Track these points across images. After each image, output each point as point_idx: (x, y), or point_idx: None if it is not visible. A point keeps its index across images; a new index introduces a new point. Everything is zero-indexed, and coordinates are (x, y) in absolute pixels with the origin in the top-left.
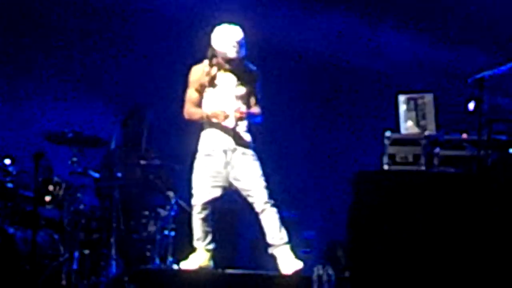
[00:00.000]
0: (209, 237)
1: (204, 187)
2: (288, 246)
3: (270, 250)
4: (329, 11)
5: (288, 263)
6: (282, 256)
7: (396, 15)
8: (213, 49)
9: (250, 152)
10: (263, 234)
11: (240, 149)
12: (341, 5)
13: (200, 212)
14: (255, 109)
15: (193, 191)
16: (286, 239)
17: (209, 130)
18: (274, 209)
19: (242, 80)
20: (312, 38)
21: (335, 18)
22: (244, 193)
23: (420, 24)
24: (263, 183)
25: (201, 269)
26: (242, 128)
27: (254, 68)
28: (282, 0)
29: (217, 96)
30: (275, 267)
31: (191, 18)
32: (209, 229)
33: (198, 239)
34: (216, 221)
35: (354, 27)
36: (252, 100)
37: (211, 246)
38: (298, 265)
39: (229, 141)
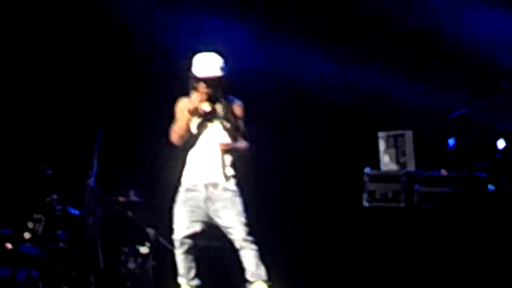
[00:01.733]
0: (192, 273)
1: (183, 222)
2: (264, 284)
3: (247, 287)
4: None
5: None
6: None
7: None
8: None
9: (232, 187)
10: (242, 270)
11: (222, 184)
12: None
13: (180, 247)
14: (241, 143)
15: (174, 226)
16: (263, 276)
17: (191, 164)
18: (253, 246)
19: (228, 113)
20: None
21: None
22: (223, 229)
23: (402, 63)
24: (243, 220)
25: None
26: (226, 162)
27: (239, 101)
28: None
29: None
30: None
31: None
32: (191, 264)
33: (181, 275)
34: (203, 258)
35: (337, 64)
36: (238, 133)
37: (194, 283)
38: None
39: (211, 176)
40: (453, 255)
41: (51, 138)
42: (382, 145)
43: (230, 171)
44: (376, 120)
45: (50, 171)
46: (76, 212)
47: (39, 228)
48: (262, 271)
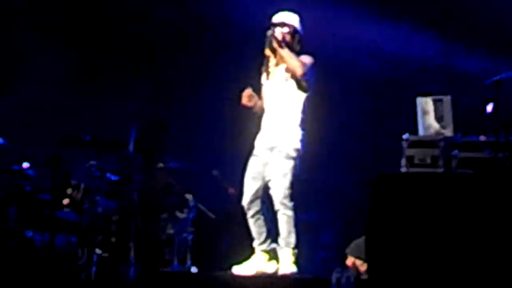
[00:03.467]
0: (263, 238)
1: (247, 187)
2: (291, 251)
3: (277, 250)
4: (347, 15)
5: (283, 266)
6: (281, 258)
7: (413, 19)
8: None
9: (287, 150)
10: (277, 234)
11: (279, 147)
12: (359, 9)
13: (247, 211)
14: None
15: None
16: (292, 244)
17: (261, 131)
18: (288, 212)
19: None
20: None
21: (351, 21)
22: (269, 191)
23: (438, 27)
24: (285, 183)
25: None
26: (290, 124)
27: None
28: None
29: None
30: None
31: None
32: (261, 229)
33: (253, 240)
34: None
35: (370, 32)
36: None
37: (265, 247)
38: (291, 269)
39: (271, 140)
40: (492, 221)
41: (90, 104)
42: (420, 110)
43: (294, 134)
44: (415, 85)
45: (88, 137)
46: (115, 178)
47: (78, 194)
48: (292, 238)
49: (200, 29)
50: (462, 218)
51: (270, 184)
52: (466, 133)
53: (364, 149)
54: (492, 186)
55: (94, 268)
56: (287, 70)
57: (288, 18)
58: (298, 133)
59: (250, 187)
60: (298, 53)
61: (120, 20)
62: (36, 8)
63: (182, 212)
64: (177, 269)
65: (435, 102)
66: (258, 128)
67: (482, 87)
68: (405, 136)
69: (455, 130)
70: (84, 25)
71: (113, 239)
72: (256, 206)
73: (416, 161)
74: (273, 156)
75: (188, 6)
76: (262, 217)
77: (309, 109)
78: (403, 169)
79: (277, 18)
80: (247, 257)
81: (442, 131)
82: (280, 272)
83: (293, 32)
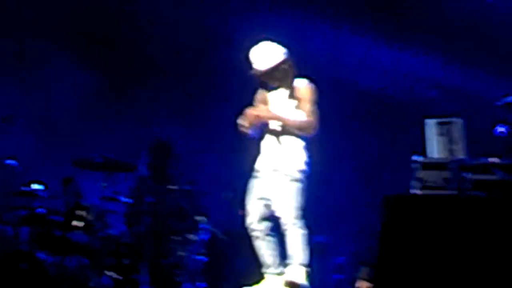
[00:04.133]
0: (277, 260)
1: (252, 208)
2: (303, 268)
3: (286, 269)
4: (358, 37)
5: (292, 275)
6: (292, 273)
7: (423, 41)
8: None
9: (291, 172)
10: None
11: (283, 170)
12: (369, 32)
13: (253, 234)
14: (298, 119)
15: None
16: (305, 261)
17: (262, 153)
18: (299, 230)
19: (291, 95)
20: (340, 60)
21: (362, 44)
22: (275, 213)
23: (448, 49)
24: (293, 204)
25: None
26: (294, 147)
27: (307, 83)
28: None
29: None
30: None
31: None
32: (274, 252)
33: (264, 264)
34: None
35: (382, 54)
36: (303, 111)
37: (280, 270)
38: (301, 281)
39: (275, 162)
40: (505, 244)
41: (102, 126)
42: (431, 131)
43: (299, 156)
44: (424, 106)
45: (100, 159)
46: (127, 200)
47: (89, 216)
48: (304, 256)
49: (207, 50)
50: (474, 241)
51: (275, 207)
52: (477, 155)
53: (377, 170)
54: (505, 209)
55: None
56: (290, 97)
57: (267, 63)
58: (302, 156)
59: (256, 207)
60: (295, 76)
61: (132, 42)
62: (54, 26)
63: (193, 234)
64: None
65: (445, 124)
66: (258, 150)
67: (494, 109)
68: (415, 157)
69: (467, 152)
70: (96, 47)
71: (124, 261)
72: (264, 227)
73: (427, 183)
74: (278, 179)
75: (198, 27)
76: (273, 239)
77: (319, 130)
78: (414, 191)
79: (255, 64)
80: (258, 280)
81: (454, 153)
82: (291, 278)
83: (280, 66)
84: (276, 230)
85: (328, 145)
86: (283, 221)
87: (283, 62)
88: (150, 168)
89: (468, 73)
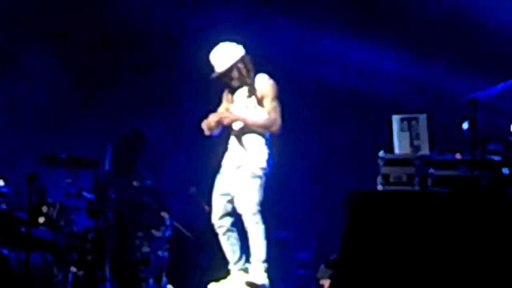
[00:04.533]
0: (237, 256)
1: (215, 204)
2: (262, 265)
3: (248, 266)
4: (326, 30)
5: (254, 275)
6: (252, 270)
7: (392, 35)
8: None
9: (252, 169)
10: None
11: (244, 166)
12: (338, 25)
13: (218, 230)
14: (259, 118)
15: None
16: (262, 258)
17: (228, 150)
18: (257, 227)
19: (252, 92)
20: (307, 56)
21: (327, 36)
22: (237, 209)
23: (417, 43)
24: (253, 200)
25: None
26: (256, 144)
27: (267, 79)
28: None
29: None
30: None
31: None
32: (234, 247)
33: (228, 261)
34: None
35: (349, 47)
36: (266, 107)
37: (241, 265)
38: (262, 280)
39: (236, 159)
40: (467, 239)
41: (66, 123)
42: (396, 127)
43: (260, 153)
44: (390, 102)
45: (64, 155)
46: (90, 196)
47: (54, 212)
48: (261, 251)
49: (179, 45)
50: (437, 236)
51: (236, 203)
52: (442, 151)
53: (341, 165)
54: (467, 205)
55: (69, 287)
56: (250, 95)
57: (223, 64)
58: (264, 152)
59: (219, 203)
60: (255, 73)
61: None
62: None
63: (158, 230)
64: (153, 287)
65: (410, 119)
66: (225, 147)
67: (459, 105)
68: (380, 153)
69: (431, 148)
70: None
71: (89, 257)
72: (227, 222)
73: (392, 179)
74: (239, 175)
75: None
76: (234, 234)
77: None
78: (379, 187)
79: (214, 66)
80: (224, 276)
81: (418, 149)
82: (251, 280)
83: (236, 66)
84: (239, 226)
85: (294, 140)
86: (243, 217)
87: (239, 61)
88: (115, 163)
89: (436, 70)
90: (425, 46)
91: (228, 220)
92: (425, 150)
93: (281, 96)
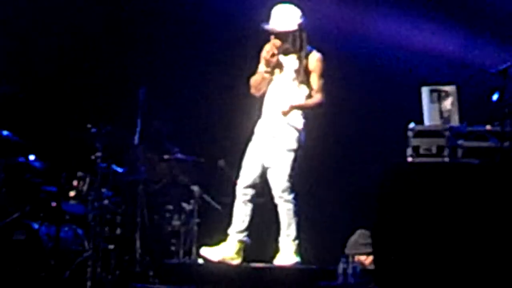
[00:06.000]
0: (243, 226)
1: (245, 172)
2: (292, 242)
3: (278, 242)
4: (350, 4)
5: (283, 257)
6: (282, 250)
7: (419, 7)
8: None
9: (288, 141)
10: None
11: (280, 138)
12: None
13: (239, 197)
14: (310, 100)
15: (240, 174)
16: (292, 236)
17: (262, 118)
18: (288, 205)
19: (302, 65)
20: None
21: (355, 9)
22: (269, 182)
23: (443, 16)
24: (285, 176)
25: (222, 262)
26: (292, 116)
27: (318, 53)
28: None
29: (278, 79)
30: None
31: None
32: (245, 218)
33: (232, 226)
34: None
35: (375, 20)
36: (313, 86)
37: (241, 237)
38: (292, 260)
39: (273, 129)
40: (497, 210)
41: (96, 96)
42: (425, 99)
43: (297, 124)
44: (420, 74)
45: (94, 129)
46: (121, 169)
47: (84, 186)
48: (292, 230)
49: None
50: (467, 208)
51: (269, 175)
52: (472, 122)
53: (371, 137)
54: (497, 176)
55: (100, 260)
56: (299, 69)
57: (288, 24)
58: (300, 124)
59: (249, 172)
60: (308, 48)
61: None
62: None
63: (188, 203)
64: (183, 260)
65: (440, 91)
66: (259, 115)
67: (488, 76)
68: (410, 125)
69: (461, 119)
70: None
71: (119, 231)
72: (251, 192)
73: (422, 151)
74: (274, 146)
75: None
76: (251, 205)
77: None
78: (409, 159)
79: (275, 25)
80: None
81: (448, 120)
82: (281, 263)
83: (293, 35)
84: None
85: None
86: (274, 192)
87: (300, 27)
88: (144, 137)
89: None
90: (455, 18)
91: (253, 191)
92: (454, 122)
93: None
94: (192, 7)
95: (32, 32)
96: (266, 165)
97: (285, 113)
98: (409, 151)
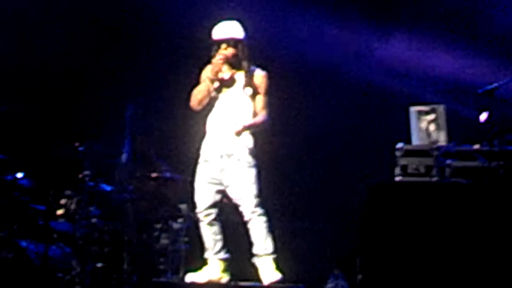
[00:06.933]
0: (218, 246)
1: (203, 193)
2: (270, 257)
3: (253, 260)
4: (339, 22)
5: (267, 274)
6: (262, 267)
7: (406, 27)
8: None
9: (246, 158)
10: (250, 244)
11: (236, 155)
12: (351, 18)
13: (203, 219)
14: (258, 118)
15: (195, 199)
16: (270, 250)
17: (208, 136)
18: (261, 219)
19: (248, 82)
20: (321, 48)
21: (344, 29)
22: (233, 201)
23: (433, 34)
24: (253, 192)
25: (210, 282)
26: (245, 132)
27: (262, 71)
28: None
29: (224, 96)
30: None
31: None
32: (217, 237)
33: (207, 249)
34: (231, 233)
35: (365, 40)
36: (259, 104)
37: (222, 256)
38: (276, 276)
39: (226, 147)
40: (485, 230)
41: (83, 115)
42: (413, 119)
43: (248, 141)
44: (408, 95)
45: (82, 148)
46: (109, 188)
47: (72, 205)
48: (269, 244)
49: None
50: (456, 227)
51: (233, 194)
52: (460, 142)
53: (359, 157)
54: (486, 195)
55: (88, 279)
56: (245, 86)
57: (231, 32)
58: (251, 140)
59: (207, 193)
60: (249, 63)
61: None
62: None
63: (176, 222)
64: (171, 279)
65: (428, 111)
66: (203, 134)
67: (476, 96)
68: (398, 145)
69: (449, 139)
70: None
71: (107, 250)
72: (214, 213)
73: (410, 170)
74: (232, 164)
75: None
76: (218, 224)
77: (300, 115)
78: (397, 178)
79: (218, 34)
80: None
81: (436, 140)
82: (267, 282)
83: (240, 44)
84: (222, 217)
85: (311, 130)
86: (243, 209)
87: (244, 40)
88: (133, 155)
89: (454, 60)
90: (441, 37)
91: (215, 210)
92: (442, 141)
93: (298, 87)
94: (185, 22)
95: (20, 49)
96: (225, 184)
97: (238, 133)
98: (397, 170)
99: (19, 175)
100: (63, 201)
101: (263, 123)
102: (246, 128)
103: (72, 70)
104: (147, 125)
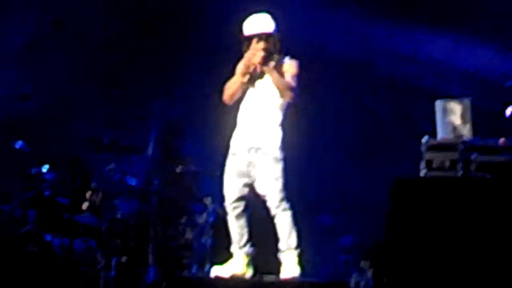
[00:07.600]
0: (244, 240)
1: (231, 187)
2: (295, 252)
3: (278, 255)
4: (366, 17)
5: (287, 268)
6: (285, 262)
7: (433, 20)
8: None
9: (273, 152)
10: (276, 238)
11: (264, 149)
12: (377, 11)
13: (231, 212)
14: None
15: (223, 191)
16: (294, 245)
17: (238, 129)
18: (287, 214)
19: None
20: (349, 42)
21: (371, 23)
22: (260, 195)
23: (458, 29)
24: (278, 186)
25: (234, 276)
26: (272, 125)
27: (293, 60)
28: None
29: (255, 90)
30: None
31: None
32: (243, 231)
33: (233, 243)
34: (258, 227)
35: (391, 33)
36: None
37: (247, 250)
38: (295, 272)
39: (254, 140)
40: (511, 224)
41: (110, 108)
42: (439, 113)
43: (277, 134)
44: (434, 88)
45: (108, 140)
46: (134, 182)
47: (97, 198)
48: (293, 240)
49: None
50: (480, 222)
51: (259, 188)
52: (485, 136)
53: (384, 151)
54: (511, 190)
55: (113, 272)
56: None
57: (262, 27)
58: (280, 134)
59: (235, 186)
60: (280, 55)
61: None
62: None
63: (201, 216)
64: (196, 273)
65: (454, 105)
66: (233, 126)
67: (502, 90)
68: (424, 139)
69: (474, 133)
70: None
71: (131, 244)
72: (242, 206)
73: (435, 164)
74: (259, 158)
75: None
76: (245, 217)
77: (329, 109)
78: (422, 173)
79: (250, 29)
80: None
81: (461, 134)
82: (285, 276)
83: (271, 38)
84: (250, 210)
85: (339, 125)
86: (269, 204)
87: (276, 32)
88: (159, 150)
89: (480, 55)
90: (468, 31)
91: (243, 203)
92: (468, 136)
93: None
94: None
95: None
96: (253, 177)
97: (266, 71)
98: (422, 165)
99: (45, 168)
100: (88, 195)
101: (289, 88)
102: (273, 73)
103: (104, 63)
104: (175, 119)
